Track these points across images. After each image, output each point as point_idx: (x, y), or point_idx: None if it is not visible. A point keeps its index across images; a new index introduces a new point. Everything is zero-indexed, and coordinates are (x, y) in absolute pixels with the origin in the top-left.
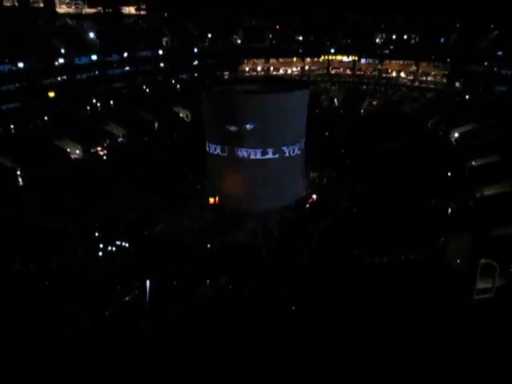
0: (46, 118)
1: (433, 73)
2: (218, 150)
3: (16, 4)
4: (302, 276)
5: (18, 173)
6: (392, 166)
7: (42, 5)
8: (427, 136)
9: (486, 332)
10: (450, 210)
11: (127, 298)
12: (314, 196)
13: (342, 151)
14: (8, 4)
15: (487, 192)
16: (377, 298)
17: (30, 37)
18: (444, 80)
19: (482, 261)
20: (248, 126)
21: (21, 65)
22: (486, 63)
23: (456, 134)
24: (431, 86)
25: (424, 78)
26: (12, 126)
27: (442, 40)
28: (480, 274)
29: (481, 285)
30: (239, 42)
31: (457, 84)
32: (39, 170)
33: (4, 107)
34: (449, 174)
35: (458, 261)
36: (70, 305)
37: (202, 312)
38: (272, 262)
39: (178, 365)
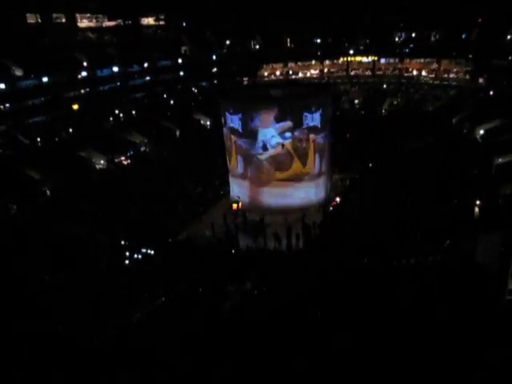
0: (70, 130)
1: (455, 70)
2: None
3: (39, 20)
4: (328, 279)
5: (45, 185)
6: (417, 166)
7: (64, 20)
8: (452, 134)
9: None
10: (477, 209)
11: (154, 305)
12: (338, 199)
13: (365, 153)
14: (32, 21)
15: None
16: (405, 300)
17: (53, 52)
18: (467, 77)
19: None
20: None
21: (45, 79)
22: (509, 58)
23: (481, 131)
24: (454, 84)
25: (446, 76)
26: (38, 139)
27: (464, 36)
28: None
29: None
30: (257, 47)
31: (480, 80)
32: (65, 181)
33: (30, 121)
34: (475, 171)
35: (489, 261)
36: (97, 313)
37: (228, 317)
38: (296, 266)
39: (202, 371)
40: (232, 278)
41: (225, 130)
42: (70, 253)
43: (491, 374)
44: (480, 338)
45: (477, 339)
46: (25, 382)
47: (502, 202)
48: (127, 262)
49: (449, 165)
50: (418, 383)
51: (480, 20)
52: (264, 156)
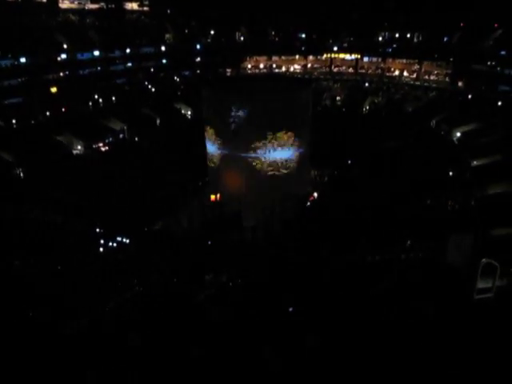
0: (47, 113)
1: (436, 72)
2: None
3: None
4: (303, 274)
5: (19, 168)
6: (393, 165)
7: (44, 0)
8: (429, 135)
9: (487, 331)
10: (451, 209)
11: (127, 295)
12: (315, 194)
13: (344, 149)
14: None
15: (489, 191)
16: (376, 296)
17: (32, 32)
18: (447, 79)
19: (483, 260)
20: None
21: (23, 60)
22: (489, 63)
23: (458, 134)
24: (434, 85)
25: (427, 77)
26: (14, 121)
27: (445, 39)
28: (481, 273)
29: (481, 284)
30: (242, 39)
31: (460, 83)
32: (40, 165)
33: (6, 102)
34: (450, 173)
35: (459, 260)
36: (70, 301)
37: (202, 309)
38: (272, 259)
39: (176, 363)
40: (207, 270)
41: (205, 120)
42: (43, 239)
43: (461, 373)
44: (449, 336)
45: (446, 337)
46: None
47: (475, 203)
48: (102, 249)
49: (425, 165)
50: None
51: (462, 24)
52: None
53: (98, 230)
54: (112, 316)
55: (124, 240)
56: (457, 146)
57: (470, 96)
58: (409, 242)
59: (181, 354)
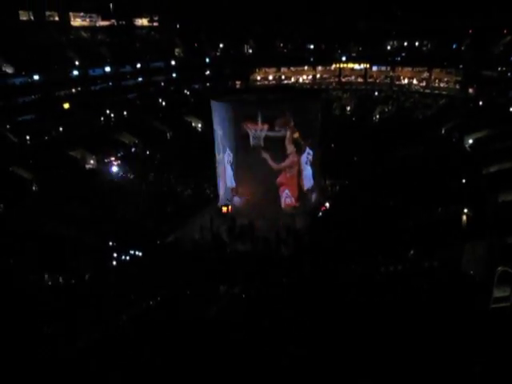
0: (60, 129)
1: (445, 79)
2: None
3: (32, 18)
4: (314, 285)
5: (34, 183)
6: (405, 174)
7: (57, 18)
8: (441, 143)
9: (504, 341)
10: (465, 217)
11: (140, 308)
12: (327, 204)
13: (355, 159)
14: (24, 18)
15: (503, 198)
16: (392, 306)
17: (45, 50)
18: (457, 86)
19: (499, 269)
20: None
21: (36, 77)
22: (499, 69)
23: (470, 141)
24: (444, 93)
25: (436, 85)
26: (28, 138)
27: (454, 46)
28: (497, 282)
29: (498, 293)
30: (250, 51)
31: (470, 90)
32: (54, 180)
33: (20, 119)
34: (463, 180)
35: (474, 268)
36: (83, 314)
37: (214, 322)
38: (284, 271)
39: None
40: (220, 282)
41: (215, 133)
42: (58, 253)
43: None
44: (465, 345)
45: (462, 347)
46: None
47: (490, 211)
48: (115, 263)
49: (438, 173)
50: None
51: (470, 31)
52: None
53: (110, 243)
54: (126, 329)
55: (137, 253)
56: (469, 153)
57: (480, 102)
58: (422, 251)
59: (194, 368)
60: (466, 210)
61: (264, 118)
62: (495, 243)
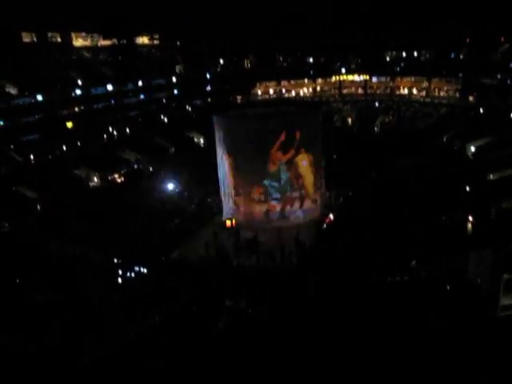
0: (64, 148)
1: (445, 88)
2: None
3: (35, 39)
4: (321, 297)
5: (39, 202)
6: (409, 183)
7: (59, 39)
8: (442, 151)
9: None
10: (470, 225)
11: (146, 324)
12: (331, 216)
13: (359, 170)
14: (27, 40)
15: (507, 205)
16: (399, 315)
17: (47, 70)
18: (457, 95)
19: (505, 276)
20: None
21: (39, 97)
22: (498, 76)
23: (472, 148)
24: (444, 102)
25: (436, 94)
26: (32, 157)
27: (453, 55)
28: (503, 289)
29: (505, 301)
30: (250, 66)
31: (470, 98)
32: (58, 199)
33: (24, 138)
34: (467, 188)
35: (480, 276)
36: (90, 332)
37: (221, 337)
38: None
39: None
40: (226, 297)
41: (218, 148)
42: (63, 271)
43: None
44: (473, 354)
45: (470, 355)
46: None
47: (494, 217)
48: (120, 280)
49: (441, 181)
50: None
51: (468, 40)
52: None
53: (115, 260)
54: (132, 346)
55: (142, 270)
56: (472, 160)
57: (481, 110)
58: (428, 260)
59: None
60: (470, 218)
61: (268, 132)
62: (500, 250)
